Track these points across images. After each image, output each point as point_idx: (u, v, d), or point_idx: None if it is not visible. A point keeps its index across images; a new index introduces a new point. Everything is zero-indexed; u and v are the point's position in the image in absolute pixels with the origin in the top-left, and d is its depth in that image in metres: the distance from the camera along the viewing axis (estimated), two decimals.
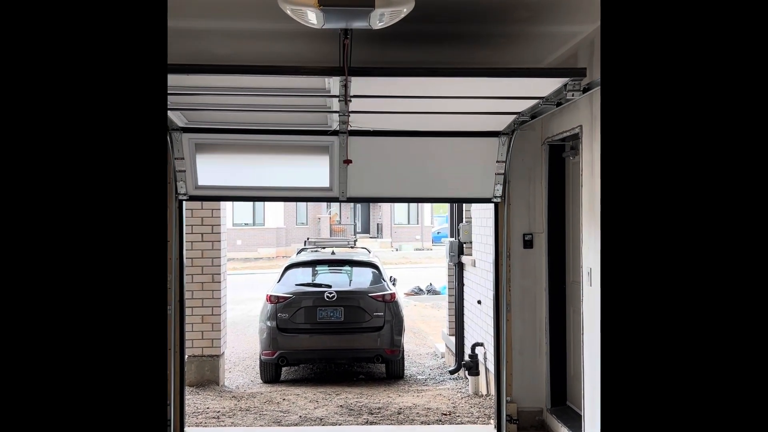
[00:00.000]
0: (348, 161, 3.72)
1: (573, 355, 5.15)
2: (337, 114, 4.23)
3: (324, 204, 32.38)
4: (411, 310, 15.23)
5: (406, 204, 33.39)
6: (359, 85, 3.58)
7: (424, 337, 11.63)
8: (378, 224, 32.80)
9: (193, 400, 6.64)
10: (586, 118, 4.39)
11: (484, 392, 6.63)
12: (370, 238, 31.87)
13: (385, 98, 3.88)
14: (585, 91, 3.66)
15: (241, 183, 5.07)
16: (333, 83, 3.47)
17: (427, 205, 33.67)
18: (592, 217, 4.29)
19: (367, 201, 7.03)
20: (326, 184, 5.00)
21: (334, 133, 4.74)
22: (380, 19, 2.43)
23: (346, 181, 4.97)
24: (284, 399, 6.76)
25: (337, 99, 3.76)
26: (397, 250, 29.85)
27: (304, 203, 32.16)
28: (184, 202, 5.08)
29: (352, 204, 33.59)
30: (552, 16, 3.93)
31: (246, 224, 30.72)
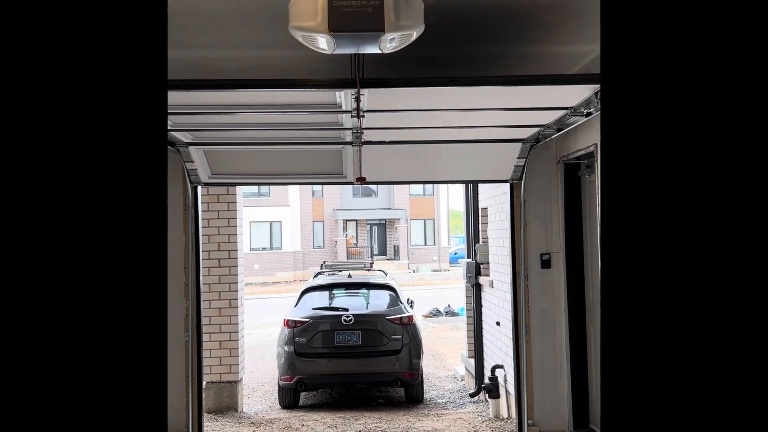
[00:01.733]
0: (361, 179, 3.66)
1: (595, 377, 5.06)
2: (351, 131, 4.20)
3: (341, 227, 32.44)
4: (429, 333, 15.11)
5: (423, 226, 33.31)
6: (373, 99, 3.50)
7: (444, 359, 11.51)
8: (395, 246, 32.74)
9: (211, 427, 6.60)
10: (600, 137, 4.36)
11: (505, 415, 6.52)
12: (387, 260, 31.79)
13: (400, 112, 3.78)
14: None
15: (254, 170, 5.03)
16: (345, 97, 3.41)
17: (444, 227, 33.58)
18: None
19: (383, 184, 6.98)
20: (340, 169, 4.95)
21: (348, 143, 4.69)
22: (390, 43, 2.44)
23: (360, 165, 4.90)
24: (303, 425, 6.70)
25: (350, 115, 3.68)
26: (414, 271, 29.74)
27: (321, 228, 32.22)
28: (200, 211, 5.01)
29: (368, 226, 33.61)
30: (562, 35, 3.92)
31: (263, 248, 30.84)
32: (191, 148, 4.76)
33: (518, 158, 4.91)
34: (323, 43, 2.35)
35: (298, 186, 30.56)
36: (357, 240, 32.49)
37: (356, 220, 33.08)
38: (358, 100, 3.21)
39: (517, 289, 5.22)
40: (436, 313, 17.76)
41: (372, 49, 2.48)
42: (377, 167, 4.95)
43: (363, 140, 4.51)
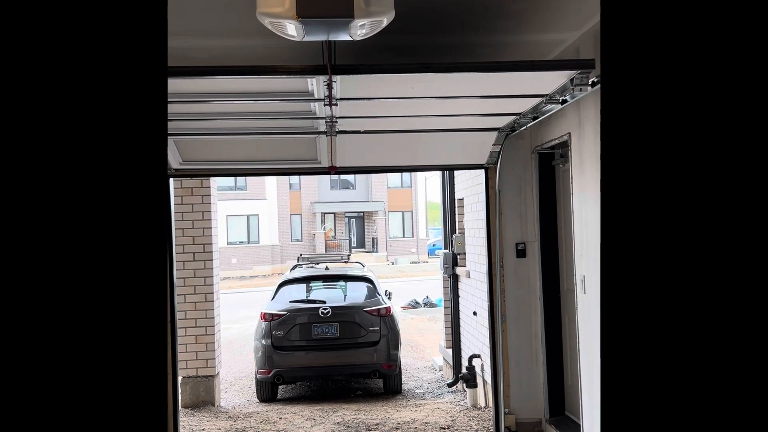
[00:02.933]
0: (333, 167, 3.61)
1: (570, 365, 5.10)
2: (324, 120, 4.15)
3: (318, 220, 32.33)
4: (408, 324, 15.14)
5: (401, 218, 33.34)
6: (346, 87, 3.45)
7: (422, 350, 11.55)
8: (373, 238, 32.73)
9: (188, 422, 6.54)
10: (574, 125, 4.38)
11: (483, 404, 6.56)
12: (366, 252, 31.78)
13: (374, 100, 3.73)
14: (594, 85, 3.42)
15: (228, 157, 4.93)
16: (317, 85, 3.35)
17: (422, 219, 33.65)
18: (583, 224, 4.26)
19: (358, 172, 6.89)
20: (314, 156, 4.90)
21: (322, 132, 4.63)
22: (361, 29, 2.40)
23: (335, 153, 4.85)
24: (281, 418, 6.67)
25: (322, 103, 3.63)
26: (392, 263, 29.77)
27: (298, 221, 32.09)
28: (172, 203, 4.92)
29: (346, 219, 33.54)
30: (535, 25, 3.92)
31: (241, 242, 30.63)
32: None
33: (494, 145, 4.92)
34: (292, 29, 2.31)
35: (275, 179, 30.36)
36: (335, 233, 32.42)
37: (334, 213, 32.99)
38: (329, 87, 3.16)
39: (492, 279, 5.23)
40: (415, 305, 17.81)
41: (342, 36, 2.45)
42: (352, 155, 4.92)
43: (337, 130, 4.46)
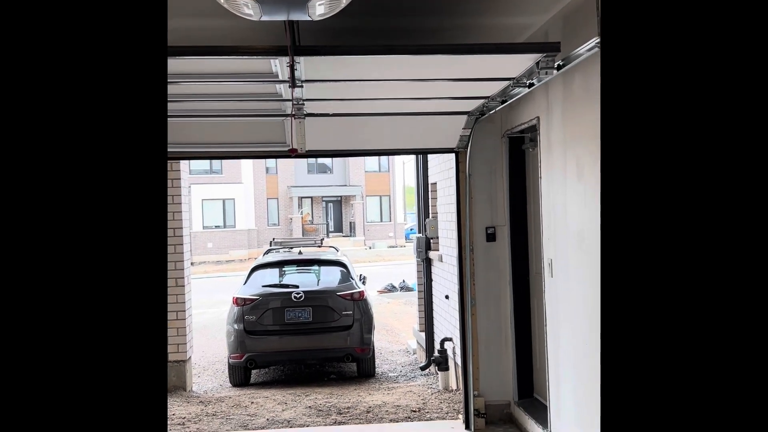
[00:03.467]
0: (293, 150, 3.54)
1: (538, 347, 5.15)
2: (290, 102, 4.10)
3: (295, 204, 32.18)
4: (384, 308, 15.19)
5: (379, 202, 33.33)
6: (311, 69, 3.39)
7: (397, 334, 11.60)
8: (351, 223, 32.70)
9: None
10: (542, 109, 4.38)
11: (454, 387, 6.61)
12: (343, 236, 31.76)
13: (340, 83, 3.68)
14: (560, 68, 3.41)
15: (195, 140, 4.82)
16: (281, 66, 3.28)
17: (399, 203, 33.67)
18: (551, 207, 4.28)
19: (328, 155, 6.79)
20: (283, 139, 4.84)
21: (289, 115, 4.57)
22: (319, 8, 2.36)
23: (304, 135, 4.80)
24: (252, 402, 6.66)
25: (287, 85, 3.57)
26: (370, 248, 29.81)
27: (275, 205, 31.91)
28: None
29: (323, 203, 33.43)
30: (503, 8, 3.89)
31: (217, 227, 30.38)
32: None
33: (464, 128, 4.90)
34: (248, 8, 2.25)
35: (251, 163, 30.10)
36: (312, 217, 32.31)
37: (311, 197, 32.86)
38: (291, 68, 3.10)
39: (463, 263, 5.25)
40: (391, 289, 17.87)
41: (301, 16, 2.40)
42: (322, 138, 4.87)
43: (305, 113, 4.41)
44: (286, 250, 9.39)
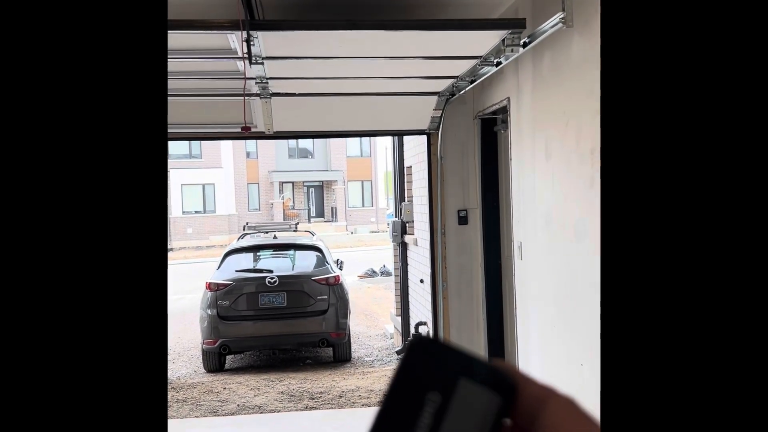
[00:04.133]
0: (246, 128, 3.43)
1: (509, 331, 5.12)
2: (254, 81, 3.99)
3: (276, 189, 31.95)
4: (364, 293, 15.16)
5: (360, 187, 33.21)
6: (271, 45, 3.26)
7: (376, 318, 11.58)
8: (332, 208, 32.57)
9: None
10: (513, 90, 4.31)
11: None
12: (325, 222, 31.64)
13: (303, 60, 3.57)
14: (525, 45, 3.33)
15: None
16: (238, 42, 3.18)
17: (381, 187, 33.56)
18: (521, 190, 4.23)
19: (296, 137, 6.66)
20: (250, 119, 4.74)
21: (255, 94, 4.46)
22: None
23: (271, 117, 4.69)
24: (225, 388, 6.59)
25: (249, 62, 3.46)
26: (352, 233, 29.72)
27: (256, 190, 31.66)
28: None
29: (305, 188, 33.24)
30: None
31: (197, 212, 30.10)
32: None
33: (434, 110, 4.82)
34: None
35: (231, 147, 29.77)
36: (294, 202, 32.12)
37: (293, 182, 32.65)
38: (248, 42, 3.00)
39: (434, 246, 5.19)
40: (372, 274, 17.83)
41: None
42: (289, 119, 4.76)
43: (270, 92, 4.30)
44: (261, 234, 9.29)
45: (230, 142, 27.51)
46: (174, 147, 29.88)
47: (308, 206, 32.79)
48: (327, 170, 32.72)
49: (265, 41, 3.16)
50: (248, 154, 31.41)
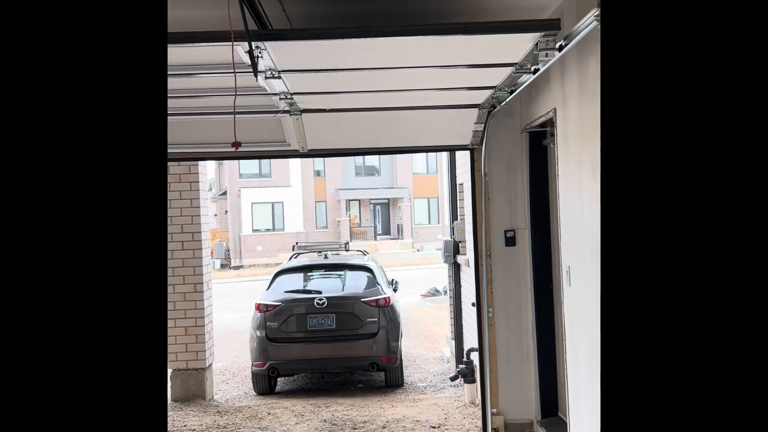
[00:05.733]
0: (237, 144, 3.22)
1: (563, 362, 4.69)
2: (278, 97, 3.81)
3: (343, 207, 32.11)
4: (425, 313, 14.81)
5: (427, 204, 32.88)
6: (284, 57, 3.05)
7: (436, 340, 11.20)
8: (398, 225, 32.39)
9: (173, 416, 6.34)
10: (559, 100, 3.95)
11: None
12: (391, 239, 31.49)
13: (323, 73, 3.33)
14: (561, 49, 2.99)
15: (186, 140, 4.59)
16: (243, 54, 2.99)
17: (446, 205, 33.14)
18: (569, 209, 3.84)
19: (331, 155, 6.42)
20: (282, 137, 4.56)
21: (285, 111, 4.27)
22: None
23: (305, 135, 4.48)
24: (270, 413, 6.42)
25: (263, 76, 3.26)
26: (418, 250, 29.42)
27: (323, 208, 31.92)
28: None
29: (371, 205, 33.24)
30: None
31: (267, 230, 30.63)
32: None
33: (476, 123, 4.50)
34: None
35: (299, 166, 30.19)
36: (360, 220, 32.17)
37: (359, 200, 32.72)
38: (251, 55, 2.80)
39: (479, 269, 4.85)
40: (435, 293, 17.45)
41: None
42: (322, 135, 4.56)
43: (300, 108, 4.12)
44: (326, 254, 9.11)
45: (298, 160, 27.84)
46: (244, 166, 30.58)
47: (374, 224, 32.76)
48: (393, 187, 32.62)
49: (276, 53, 2.96)
50: (317, 173, 31.77)
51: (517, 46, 3.03)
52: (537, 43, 2.91)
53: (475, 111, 4.39)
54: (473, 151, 4.85)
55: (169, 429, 5.87)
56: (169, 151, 4.75)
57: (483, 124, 4.51)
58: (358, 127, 4.55)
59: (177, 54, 3.17)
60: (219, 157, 5.08)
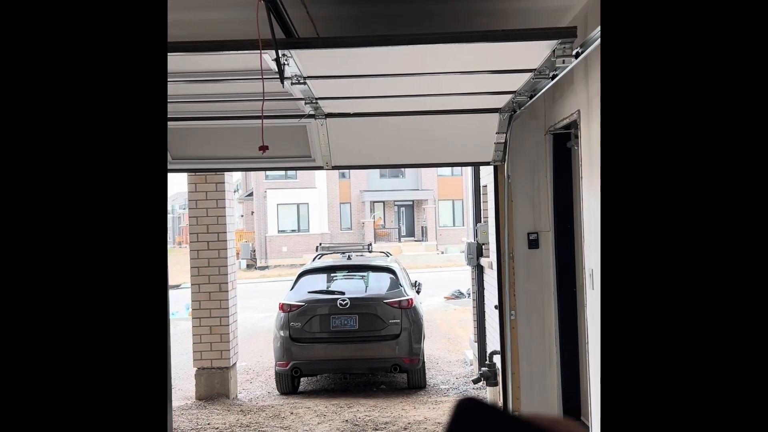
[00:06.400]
0: (264, 147, 3.27)
1: (586, 366, 4.65)
2: (303, 102, 3.86)
3: (368, 208, 32.18)
4: (449, 315, 14.79)
5: (451, 206, 32.79)
6: (309, 63, 3.12)
7: (459, 343, 11.17)
8: (423, 227, 32.35)
9: (197, 414, 6.42)
10: (583, 102, 3.92)
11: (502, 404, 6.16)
12: (415, 241, 31.46)
13: (348, 79, 3.39)
14: (578, 56, 3.03)
15: (217, 153, 4.67)
16: (270, 61, 3.06)
17: (470, 207, 33.01)
18: (592, 211, 3.81)
19: (355, 168, 6.48)
20: (307, 151, 4.62)
21: (310, 116, 4.33)
22: None
23: (329, 150, 4.53)
24: (292, 413, 6.47)
25: (290, 82, 3.33)
26: (442, 252, 29.35)
27: (348, 209, 32.03)
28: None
29: (396, 207, 33.25)
30: None
31: (292, 231, 30.83)
32: None
33: (498, 133, 4.49)
34: None
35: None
36: (384, 221, 32.20)
37: (383, 202, 32.76)
38: (278, 63, 2.85)
39: (501, 272, 4.83)
40: (459, 295, 17.39)
41: None
42: (345, 150, 4.62)
43: (325, 113, 4.16)
44: (346, 254, 9.16)
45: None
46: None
47: (399, 225, 32.77)
48: (418, 189, 32.59)
49: (302, 61, 3.02)
50: (342, 175, 31.91)
51: (534, 53, 3.06)
52: (554, 50, 2.94)
53: (497, 117, 4.38)
54: (497, 168, 4.85)
55: (193, 427, 5.95)
56: (196, 166, 4.85)
57: (504, 135, 4.50)
58: (382, 141, 4.60)
59: (204, 61, 3.24)
60: (245, 168, 5.17)
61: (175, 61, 3.22)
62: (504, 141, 4.56)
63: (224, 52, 2.95)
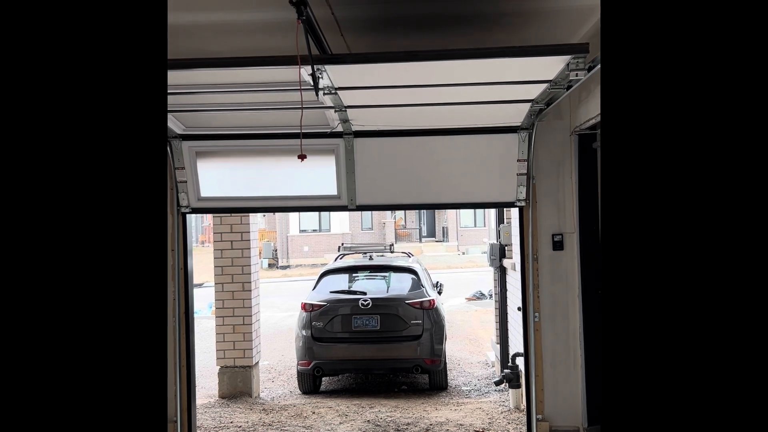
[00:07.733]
0: (303, 156, 3.33)
1: None
2: (333, 110, 3.93)
3: None
4: (470, 316, 14.72)
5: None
6: (340, 77, 3.26)
7: (481, 344, 11.12)
8: (444, 228, 32.26)
9: (221, 412, 6.48)
10: None
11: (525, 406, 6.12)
12: (436, 242, 31.39)
13: (369, 90, 3.51)
14: (590, 69, 3.13)
15: (245, 193, 4.84)
16: (305, 75, 3.18)
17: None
18: None
19: (378, 209, 6.54)
20: (333, 191, 4.70)
21: (338, 135, 4.45)
22: None
23: (355, 188, 4.65)
24: (314, 412, 6.49)
25: (322, 92, 3.44)
26: (463, 253, 29.25)
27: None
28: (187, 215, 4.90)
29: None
30: None
31: (313, 230, 30.96)
32: (183, 145, 4.65)
33: (519, 161, 4.60)
34: None
35: None
36: (405, 222, 32.18)
37: None
38: (314, 77, 2.99)
39: (525, 273, 4.79)
40: (480, 296, 17.32)
41: None
42: (371, 189, 4.73)
43: (353, 129, 4.26)
44: (367, 254, 9.17)
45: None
46: None
47: (420, 226, 32.72)
48: None
49: (334, 74, 3.21)
50: None
51: (550, 66, 3.18)
52: (568, 64, 3.02)
53: (516, 141, 4.45)
54: (522, 210, 4.88)
55: (216, 425, 6.00)
56: (223, 205, 4.96)
57: (526, 162, 4.57)
58: (407, 180, 4.71)
59: (244, 73, 3.38)
60: (271, 209, 5.30)
61: (220, 74, 3.35)
62: (526, 172, 4.62)
63: (267, 67, 3.12)
